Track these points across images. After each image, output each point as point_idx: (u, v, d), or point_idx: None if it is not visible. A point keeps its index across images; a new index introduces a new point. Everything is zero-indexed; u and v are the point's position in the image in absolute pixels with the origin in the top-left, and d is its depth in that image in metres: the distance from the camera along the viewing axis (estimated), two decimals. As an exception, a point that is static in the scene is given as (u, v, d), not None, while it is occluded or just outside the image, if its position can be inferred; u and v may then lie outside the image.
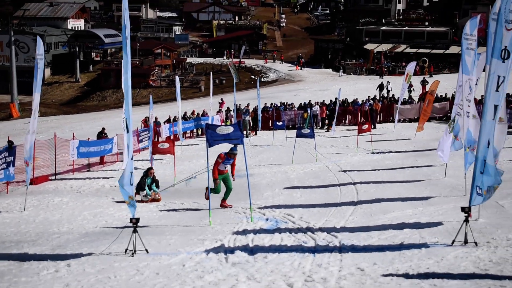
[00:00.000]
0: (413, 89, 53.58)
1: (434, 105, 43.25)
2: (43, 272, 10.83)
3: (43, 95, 73.97)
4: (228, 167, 17.08)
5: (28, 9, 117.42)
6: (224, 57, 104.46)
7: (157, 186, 19.38)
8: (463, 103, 17.17)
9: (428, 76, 71.63)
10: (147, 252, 11.77)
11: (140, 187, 18.78)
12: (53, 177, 24.85)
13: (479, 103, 30.05)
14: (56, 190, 21.89)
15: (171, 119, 40.34)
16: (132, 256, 11.59)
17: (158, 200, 18.92)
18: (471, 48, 16.98)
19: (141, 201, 18.36)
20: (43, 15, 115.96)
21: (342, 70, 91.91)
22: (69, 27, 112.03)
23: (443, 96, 45.32)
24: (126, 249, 11.89)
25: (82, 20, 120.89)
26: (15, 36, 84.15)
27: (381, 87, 60.84)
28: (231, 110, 43.93)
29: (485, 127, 11.62)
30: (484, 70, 14.87)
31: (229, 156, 16.84)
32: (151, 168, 19.80)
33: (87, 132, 40.63)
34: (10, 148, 20.75)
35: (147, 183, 18.98)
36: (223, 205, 17.11)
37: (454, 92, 24.96)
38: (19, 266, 11.29)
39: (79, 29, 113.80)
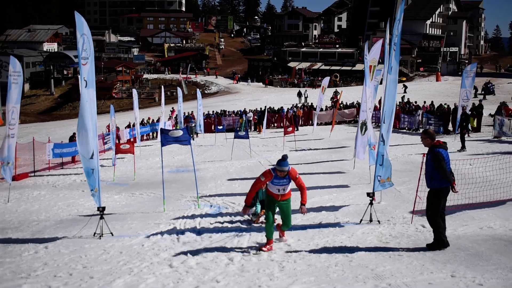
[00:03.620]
0: (336, 99, 54.49)
1: (344, 111, 44.01)
2: (25, 253, 10.55)
3: (23, 106, 72.41)
4: (287, 189, 10.29)
5: (10, 34, 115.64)
6: (166, 73, 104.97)
7: None
8: (367, 109, 17.45)
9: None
10: (112, 235, 11.57)
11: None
12: (32, 174, 24.28)
13: (380, 110, 30.57)
14: (35, 185, 21.37)
15: (131, 124, 39.94)
16: (100, 239, 11.38)
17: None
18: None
19: (250, 220, 12.50)
20: (23, 39, 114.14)
21: (249, 81, 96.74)
22: (45, 49, 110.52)
23: (351, 103, 46.01)
24: (95, 233, 11.68)
25: (56, 44, 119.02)
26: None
27: (299, 94, 62.07)
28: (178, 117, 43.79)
29: (382, 129, 11.80)
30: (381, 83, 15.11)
31: (278, 174, 10.03)
32: None
33: (61, 136, 39.82)
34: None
35: (259, 198, 12.60)
36: (279, 230, 10.70)
37: (359, 100, 25.51)
38: (4, 249, 10.97)
39: (53, 51, 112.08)
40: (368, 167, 16.88)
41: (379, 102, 35.67)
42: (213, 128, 43.21)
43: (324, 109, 45.83)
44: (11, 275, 9.21)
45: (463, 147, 22.76)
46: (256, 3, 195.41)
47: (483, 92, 54.29)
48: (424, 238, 10.07)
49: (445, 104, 35.74)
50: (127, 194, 18.07)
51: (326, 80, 40.35)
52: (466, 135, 25.17)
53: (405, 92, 59.70)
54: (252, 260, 9.43)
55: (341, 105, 45.20)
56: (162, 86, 35.28)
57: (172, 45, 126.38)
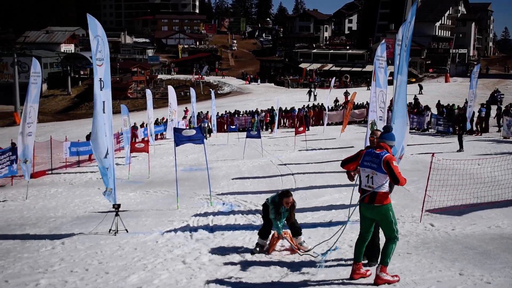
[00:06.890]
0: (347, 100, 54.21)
1: (354, 111, 43.86)
2: (42, 249, 10.61)
3: (41, 106, 72.87)
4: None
5: (28, 36, 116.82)
6: (172, 73, 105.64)
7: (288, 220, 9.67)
8: (377, 110, 17.34)
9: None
10: (127, 231, 11.61)
11: (266, 228, 9.64)
12: (50, 172, 24.43)
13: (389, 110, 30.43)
14: (52, 182, 21.50)
15: (144, 124, 40.05)
16: (115, 235, 11.42)
17: (298, 248, 9.57)
18: (381, 67, 17.16)
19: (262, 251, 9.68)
20: (41, 41, 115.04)
21: (258, 81, 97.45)
22: (62, 50, 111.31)
23: (361, 104, 45.86)
24: (110, 229, 11.71)
25: (73, 45, 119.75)
26: (17, 58, 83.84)
27: (309, 92, 62.59)
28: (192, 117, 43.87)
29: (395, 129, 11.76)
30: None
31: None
32: (287, 193, 9.55)
33: (77, 135, 40.01)
34: (13, 149, 20.38)
35: (282, 219, 9.63)
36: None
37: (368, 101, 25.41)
38: (22, 245, 11.04)
39: (70, 52, 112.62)
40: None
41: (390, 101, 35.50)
42: (225, 127, 43.30)
43: (333, 109, 45.78)
44: (29, 270, 9.26)
45: (460, 148, 22.33)
46: (268, 6, 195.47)
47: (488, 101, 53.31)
48: (432, 237, 10.01)
49: (453, 104, 35.55)
50: (142, 191, 18.12)
51: (332, 82, 40.44)
52: (475, 134, 24.94)
53: (420, 93, 58.53)
54: (263, 257, 9.42)
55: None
56: (169, 87, 35.49)
57: (186, 46, 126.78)
